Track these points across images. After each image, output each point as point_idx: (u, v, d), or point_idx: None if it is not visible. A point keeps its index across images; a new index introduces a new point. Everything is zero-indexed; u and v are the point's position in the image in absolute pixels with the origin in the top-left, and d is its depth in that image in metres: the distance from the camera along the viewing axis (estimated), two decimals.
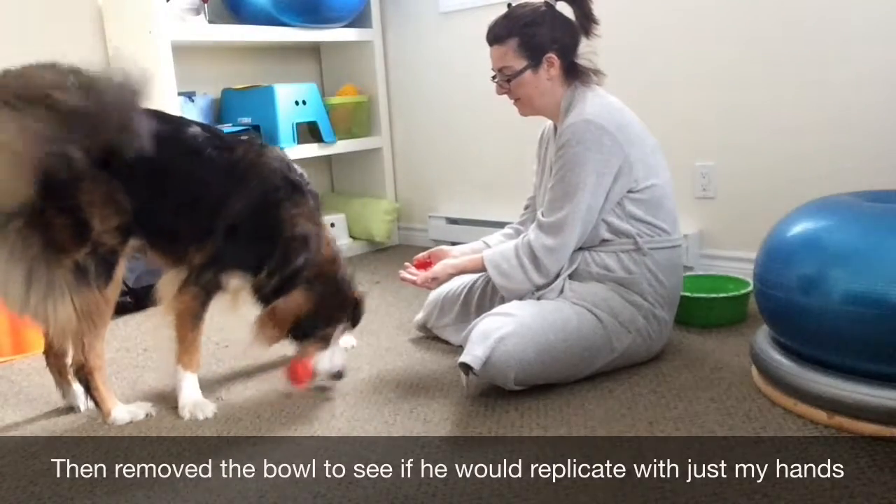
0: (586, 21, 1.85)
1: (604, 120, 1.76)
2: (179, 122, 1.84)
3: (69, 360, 1.79)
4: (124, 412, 1.76)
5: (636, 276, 1.80)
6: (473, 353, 1.67)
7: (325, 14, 3.24)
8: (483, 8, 3.19)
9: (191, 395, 1.82)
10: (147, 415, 1.78)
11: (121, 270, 1.73)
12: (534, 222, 1.86)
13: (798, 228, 1.59)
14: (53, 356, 1.84)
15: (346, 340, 1.93)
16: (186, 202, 1.76)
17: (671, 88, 2.66)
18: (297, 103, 3.19)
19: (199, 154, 1.77)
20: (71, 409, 1.84)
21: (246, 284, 1.83)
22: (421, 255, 2.07)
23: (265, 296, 1.82)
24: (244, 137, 2.01)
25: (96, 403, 1.75)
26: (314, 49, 3.76)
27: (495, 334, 1.68)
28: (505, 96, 1.92)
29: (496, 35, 1.85)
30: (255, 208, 1.76)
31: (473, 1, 3.21)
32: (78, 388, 1.82)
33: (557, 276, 1.83)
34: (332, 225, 3.40)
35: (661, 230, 1.82)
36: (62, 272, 1.61)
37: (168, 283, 1.82)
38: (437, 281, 1.94)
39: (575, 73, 1.87)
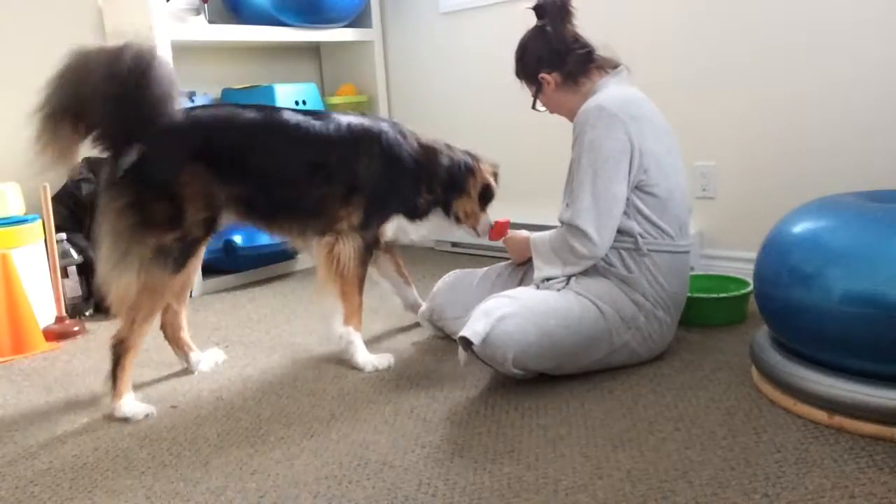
0: (563, 12, 1.90)
1: (617, 107, 1.77)
2: (274, 109, 1.99)
3: (183, 334, 2.05)
4: (130, 406, 1.79)
5: (636, 275, 1.80)
6: (474, 329, 1.68)
7: (325, 14, 3.24)
8: (483, 8, 3.20)
9: (366, 354, 2.02)
10: (147, 415, 1.79)
11: (197, 261, 1.88)
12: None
13: (798, 228, 1.59)
14: (169, 329, 2.05)
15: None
16: (312, 173, 1.95)
17: (671, 88, 2.66)
18: (296, 103, 3.19)
19: (306, 129, 1.95)
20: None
21: (403, 222, 2.10)
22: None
23: (438, 203, 2.13)
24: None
25: (114, 381, 1.80)
26: (314, 49, 3.77)
27: (497, 313, 1.70)
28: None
29: (515, 74, 2.01)
30: (385, 154, 2.01)
31: (473, 1, 3.22)
32: (195, 356, 2.06)
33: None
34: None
35: (664, 233, 1.82)
36: (140, 248, 1.76)
37: (325, 250, 2.01)
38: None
39: (583, 73, 1.90)
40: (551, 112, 2.00)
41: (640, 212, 1.80)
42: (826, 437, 1.45)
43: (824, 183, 2.32)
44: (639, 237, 1.79)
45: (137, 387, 1.98)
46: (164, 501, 1.39)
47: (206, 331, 2.43)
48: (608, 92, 1.84)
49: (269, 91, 3.12)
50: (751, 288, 2.11)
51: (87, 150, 2.97)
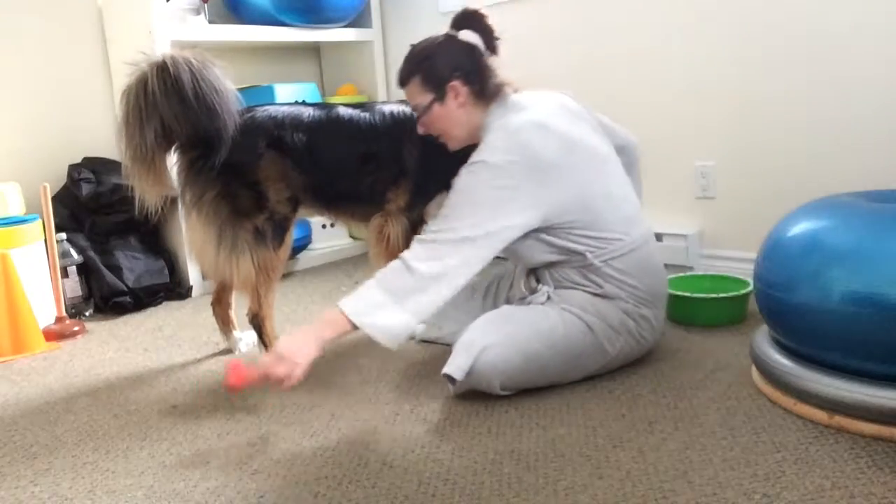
0: (489, 38, 1.84)
1: (505, 162, 1.65)
2: (330, 106, 2.13)
3: (231, 312, 2.21)
4: None
5: (606, 288, 1.75)
6: (456, 364, 1.66)
7: (325, 14, 3.24)
8: (483, 8, 3.19)
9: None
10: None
11: (290, 235, 2.07)
12: None
13: (798, 228, 1.59)
14: (219, 307, 2.21)
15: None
16: (365, 163, 2.08)
17: (671, 88, 2.67)
18: (296, 103, 3.18)
19: (358, 123, 2.09)
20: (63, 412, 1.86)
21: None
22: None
23: None
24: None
25: (266, 347, 2.05)
26: (314, 49, 3.77)
27: (478, 344, 1.67)
28: None
29: (401, 78, 1.86)
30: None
31: (473, 1, 3.21)
32: (237, 335, 2.22)
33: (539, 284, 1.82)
34: (332, 225, 3.41)
35: (608, 241, 1.75)
36: (244, 234, 1.95)
37: (376, 231, 2.15)
38: (290, 369, 1.57)
39: (487, 95, 1.82)
40: (431, 130, 1.86)
41: (571, 240, 1.72)
42: (826, 437, 1.45)
43: (824, 183, 2.32)
44: (586, 254, 1.74)
45: (138, 387, 1.98)
46: (164, 501, 1.39)
47: (207, 331, 2.43)
48: (497, 138, 1.70)
49: (269, 91, 3.12)
50: (751, 288, 2.11)
51: (89, 150, 2.98)
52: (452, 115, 1.82)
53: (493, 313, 1.79)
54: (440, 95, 1.80)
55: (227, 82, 1.90)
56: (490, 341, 1.68)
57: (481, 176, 1.67)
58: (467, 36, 1.83)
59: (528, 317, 1.75)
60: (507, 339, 1.69)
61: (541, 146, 1.69)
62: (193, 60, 1.85)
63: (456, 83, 1.79)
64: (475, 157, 1.71)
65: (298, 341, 1.58)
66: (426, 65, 1.81)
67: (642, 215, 1.86)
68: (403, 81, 1.86)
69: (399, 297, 1.60)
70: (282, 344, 1.59)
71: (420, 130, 1.90)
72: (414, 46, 1.87)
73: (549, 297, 1.80)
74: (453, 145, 1.89)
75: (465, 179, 1.70)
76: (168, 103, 1.82)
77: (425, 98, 1.82)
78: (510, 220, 1.67)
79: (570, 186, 1.71)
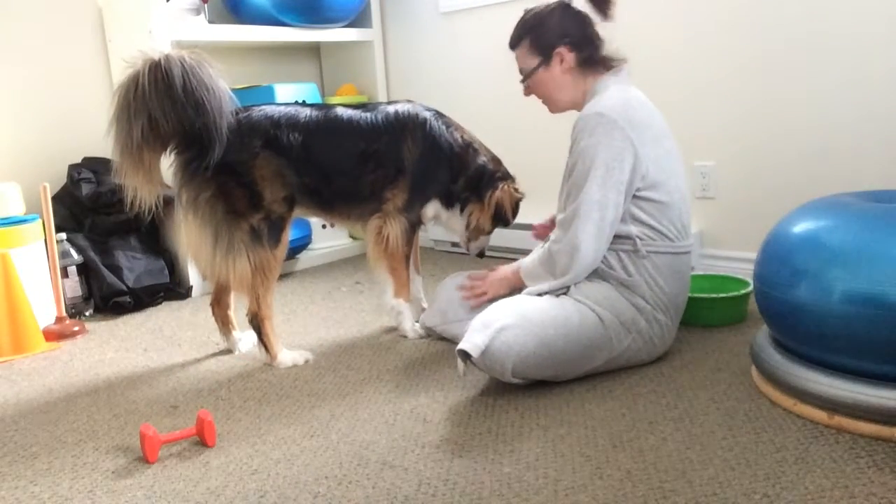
0: (603, 4, 1.88)
1: (616, 114, 1.75)
2: (328, 107, 2.15)
3: (231, 313, 2.20)
4: (288, 357, 2.07)
5: (635, 278, 1.79)
6: (473, 341, 1.67)
7: (325, 14, 3.24)
8: (483, 8, 3.20)
9: (412, 324, 2.24)
10: (306, 360, 2.07)
11: (287, 235, 2.06)
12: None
13: (798, 228, 1.59)
14: (218, 308, 2.20)
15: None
16: (365, 162, 2.10)
17: (671, 88, 2.67)
18: (296, 103, 3.18)
19: (357, 122, 2.11)
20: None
21: (438, 206, 2.23)
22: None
23: (458, 198, 2.24)
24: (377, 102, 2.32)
25: (266, 348, 2.06)
26: (314, 49, 3.77)
27: (496, 324, 1.69)
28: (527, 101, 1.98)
29: (511, 40, 1.95)
30: (427, 141, 2.15)
31: (473, 1, 3.22)
32: (237, 335, 2.21)
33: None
34: (332, 225, 3.41)
35: (663, 235, 1.80)
36: (240, 234, 1.96)
37: (374, 232, 2.18)
38: (487, 295, 2.05)
39: (594, 64, 1.88)
40: (536, 93, 1.94)
41: (636, 217, 1.79)
42: (826, 437, 1.45)
43: (824, 183, 2.33)
44: (637, 240, 1.78)
45: (138, 387, 1.98)
46: (164, 501, 1.39)
47: (207, 331, 2.43)
48: (608, 96, 1.81)
49: (269, 91, 3.12)
50: (751, 288, 2.11)
51: (89, 150, 2.98)
52: (557, 79, 1.89)
53: (510, 298, 1.82)
54: (546, 60, 1.88)
55: (221, 82, 1.90)
56: (507, 322, 1.69)
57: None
58: (581, 5, 1.89)
59: (546, 304, 1.77)
60: (525, 322, 1.70)
61: (645, 112, 1.80)
62: (187, 58, 1.85)
63: (562, 49, 1.86)
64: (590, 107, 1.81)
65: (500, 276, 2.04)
66: (537, 29, 1.89)
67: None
68: (513, 44, 1.94)
69: None
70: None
71: (525, 93, 1.96)
72: (527, 11, 1.93)
73: (566, 290, 1.82)
74: (553, 110, 1.96)
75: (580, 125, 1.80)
76: (157, 98, 1.82)
77: (532, 61, 1.90)
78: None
79: (658, 150, 1.79)
